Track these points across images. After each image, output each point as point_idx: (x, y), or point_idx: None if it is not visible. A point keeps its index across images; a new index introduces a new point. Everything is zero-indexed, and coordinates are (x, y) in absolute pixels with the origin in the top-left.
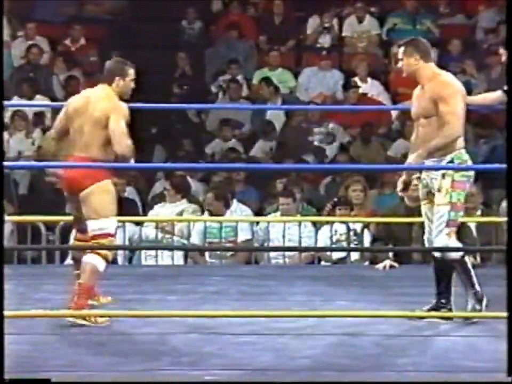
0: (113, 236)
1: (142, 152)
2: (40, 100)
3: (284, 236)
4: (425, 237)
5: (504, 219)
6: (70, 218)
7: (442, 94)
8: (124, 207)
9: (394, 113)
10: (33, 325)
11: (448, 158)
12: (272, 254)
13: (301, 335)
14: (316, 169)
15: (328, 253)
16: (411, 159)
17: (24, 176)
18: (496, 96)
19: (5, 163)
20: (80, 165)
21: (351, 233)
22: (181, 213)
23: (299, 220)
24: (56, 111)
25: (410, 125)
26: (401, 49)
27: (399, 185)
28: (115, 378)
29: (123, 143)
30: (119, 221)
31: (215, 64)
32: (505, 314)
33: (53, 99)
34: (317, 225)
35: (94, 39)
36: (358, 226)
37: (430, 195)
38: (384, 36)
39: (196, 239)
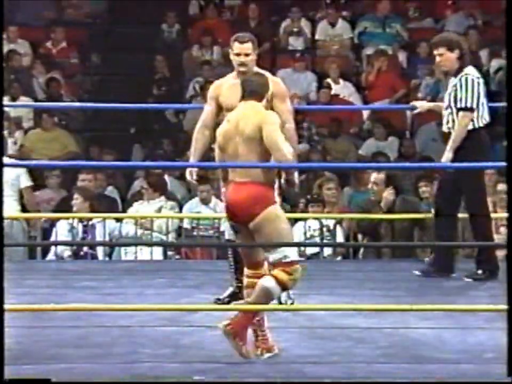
0: (297, 262)
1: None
2: (25, 101)
3: None
4: None
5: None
6: (51, 215)
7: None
8: (105, 205)
9: (365, 114)
10: (14, 318)
11: None
12: None
13: (275, 328)
14: (291, 167)
15: (302, 248)
16: None
17: None
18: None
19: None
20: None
21: (324, 229)
22: (159, 210)
23: None
24: (38, 112)
25: (379, 126)
26: (249, 45)
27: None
28: (98, 371)
29: (283, 149)
30: (100, 218)
31: (192, 66)
32: (505, 307)
33: (35, 100)
34: (291, 222)
35: (75, 42)
36: (331, 223)
37: None
38: (355, 39)
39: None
